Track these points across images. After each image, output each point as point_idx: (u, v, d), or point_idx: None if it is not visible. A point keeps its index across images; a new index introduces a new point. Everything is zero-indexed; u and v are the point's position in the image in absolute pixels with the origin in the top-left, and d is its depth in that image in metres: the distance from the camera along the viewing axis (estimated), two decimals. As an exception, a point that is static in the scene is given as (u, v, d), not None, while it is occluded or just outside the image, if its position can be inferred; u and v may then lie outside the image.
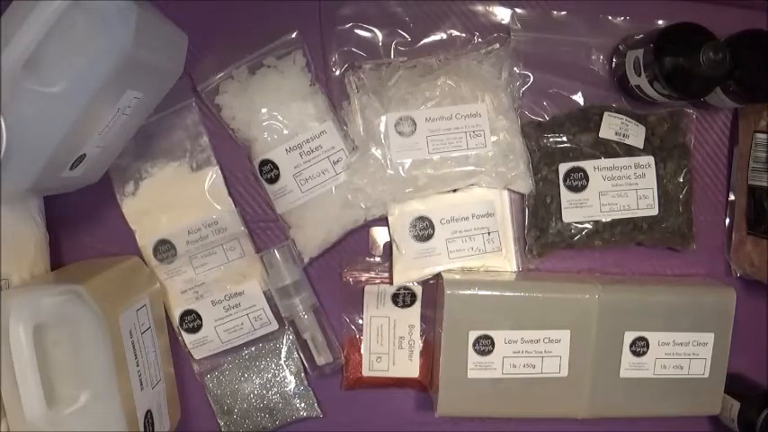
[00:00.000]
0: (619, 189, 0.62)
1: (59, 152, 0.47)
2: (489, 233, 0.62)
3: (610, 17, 0.64)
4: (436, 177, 0.60)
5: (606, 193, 0.62)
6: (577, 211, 0.62)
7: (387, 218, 0.62)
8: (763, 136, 0.64)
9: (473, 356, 0.59)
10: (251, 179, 0.63)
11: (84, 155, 0.50)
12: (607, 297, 0.60)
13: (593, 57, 0.64)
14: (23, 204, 0.54)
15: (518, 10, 0.63)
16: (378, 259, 0.64)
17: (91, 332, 0.48)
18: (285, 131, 0.60)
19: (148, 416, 0.54)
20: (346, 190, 0.60)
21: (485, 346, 0.59)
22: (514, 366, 0.60)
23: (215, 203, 0.61)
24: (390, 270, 0.63)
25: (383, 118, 0.60)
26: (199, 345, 0.62)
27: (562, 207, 0.62)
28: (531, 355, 0.60)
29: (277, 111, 0.59)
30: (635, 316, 0.61)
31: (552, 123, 0.63)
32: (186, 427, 0.64)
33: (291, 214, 0.62)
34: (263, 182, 0.61)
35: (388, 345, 0.64)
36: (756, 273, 0.65)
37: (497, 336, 0.59)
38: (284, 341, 0.64)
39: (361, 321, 0.64)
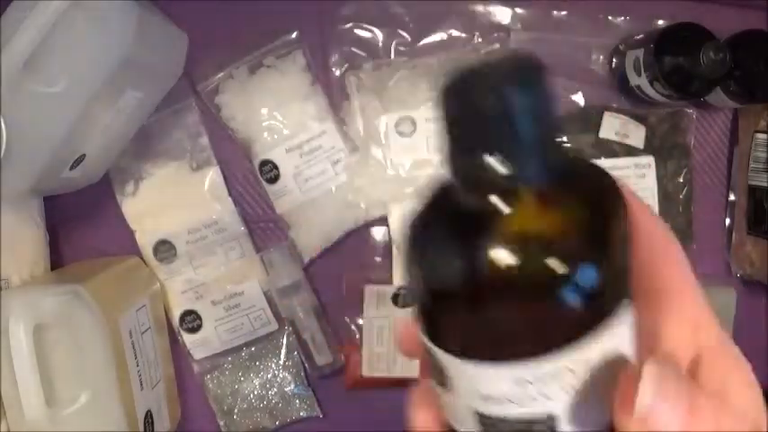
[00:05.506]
0: (619, 189, 0.62)
1: (59, 152, 0.47)
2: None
3: (610, 17, 0.64)
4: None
5: (606, 193, 0.62)
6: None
7: (387, 218, 0.62)
8: (763, 136, 0.64)
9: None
10: (251, 179, 0.63)
11: (84, 155, 0.50)
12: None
13: (594, 57, 0.64)
14: (23, 204, 0.54)
15: (518, 10, 0.63)
16: (378, 259, 0.64)
17: (91, 332, 0.48)
18: (285, 131, 0.60)
19: (148, 416, 0.54)
20: (346, 190, 0.60)
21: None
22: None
23: (215, 203, 0.61)
24: (390, 270, 0.62)
25: (383, 118, 0.60)
26: (199, 345, 0.62)
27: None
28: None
29: (277, 111, 0.59)
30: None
31: (552, 123, 0.63)
32: (186, 427, 0.64)
33: (291, 214, 0.62)
34: (263, 182, 0.61)
35: (388, 345, 0.64)
36: (756, 273, 0.65)
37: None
38: (284, 341, 0.64)
39: (361, 322, 0.64)
